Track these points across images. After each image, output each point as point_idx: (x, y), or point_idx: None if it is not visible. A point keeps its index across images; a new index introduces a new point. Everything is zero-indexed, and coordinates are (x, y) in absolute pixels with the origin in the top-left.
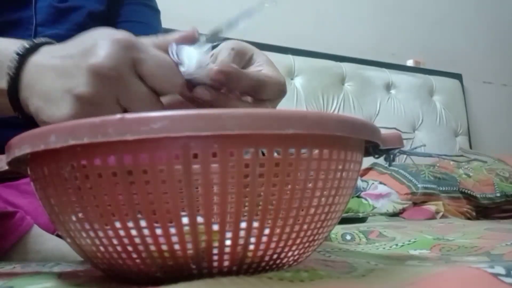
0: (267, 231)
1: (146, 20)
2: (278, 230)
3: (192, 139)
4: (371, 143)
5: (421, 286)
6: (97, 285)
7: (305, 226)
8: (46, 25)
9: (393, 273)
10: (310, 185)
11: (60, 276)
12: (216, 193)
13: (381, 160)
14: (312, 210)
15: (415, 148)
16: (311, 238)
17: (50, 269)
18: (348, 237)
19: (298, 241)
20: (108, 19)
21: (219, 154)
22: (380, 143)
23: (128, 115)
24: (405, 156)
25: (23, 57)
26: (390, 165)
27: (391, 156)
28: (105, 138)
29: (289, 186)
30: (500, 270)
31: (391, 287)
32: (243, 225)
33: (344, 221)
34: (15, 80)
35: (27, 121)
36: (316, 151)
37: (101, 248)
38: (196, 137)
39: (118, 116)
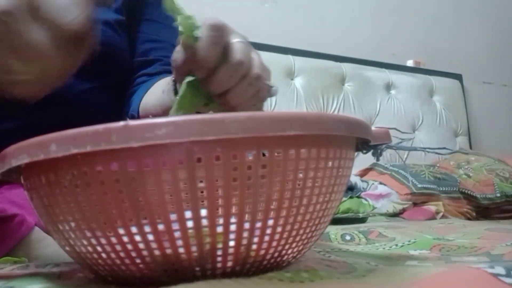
0: (269, 230)
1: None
2: (279, 229)
3: (196, 143)
4: (360, 139)
5: (421, 286)
6: (97, 285)
7: (304, 224)
8: None
9: (393, 273)
10: (309, 183)
11: (60, 276)
12: (220, 196)
13: (381, 160)
14: (311, 208)
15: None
16: (309, 235)
17: (50, 270)
18: (348, 238)
19: (298, 238)
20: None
21: (222, 157)
22: (371, 140)
23: (132, 122)
24: (405, 156)
25: None
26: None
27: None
28: (109, 145)
29: (290, 186)
30: (500, 270)
31: None
32: (247, 225)
33: (344, 221)
34: None
35: None
36: (314, 151)
37: (103, 255)
38: (200, 141)
39: (122, 123)
